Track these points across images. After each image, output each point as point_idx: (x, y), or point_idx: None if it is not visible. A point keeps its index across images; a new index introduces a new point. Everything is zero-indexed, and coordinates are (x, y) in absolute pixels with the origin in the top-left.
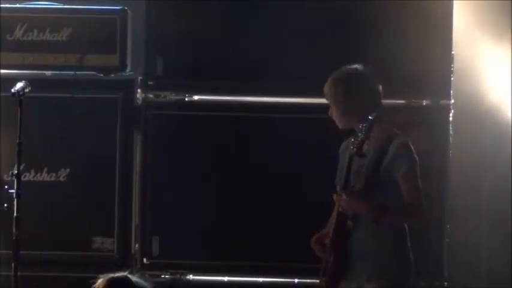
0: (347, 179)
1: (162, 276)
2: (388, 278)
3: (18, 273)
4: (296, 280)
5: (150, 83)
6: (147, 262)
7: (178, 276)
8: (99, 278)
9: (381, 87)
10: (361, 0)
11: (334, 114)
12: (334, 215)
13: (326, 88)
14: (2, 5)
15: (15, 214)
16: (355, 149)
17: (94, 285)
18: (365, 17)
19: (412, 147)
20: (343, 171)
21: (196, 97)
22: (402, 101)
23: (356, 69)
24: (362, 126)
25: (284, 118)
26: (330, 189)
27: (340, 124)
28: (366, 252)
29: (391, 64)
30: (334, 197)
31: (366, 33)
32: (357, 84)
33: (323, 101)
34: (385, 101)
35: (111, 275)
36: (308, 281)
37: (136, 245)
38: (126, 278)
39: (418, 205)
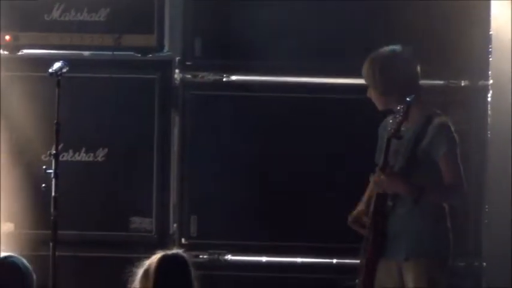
0: (385, 160)
1: (200, 256)
2: (427, 257)
3: (56, 253)
4: (334, 260)
5: (188, 63)
6: (186, 242)
7: (216, 256)
8: (154, 254)
9: (419, 68)
10: None
11: (373, 95)
12: (368, 193)
13: (364, 69)
14: None
15: (53, 194)
16: (392, 130)
17: (150, 260)
18: None
19: (452, 128)
20: (382, 152)
21: (234, 77)
22: (440, 82)
23: (394, 50)
24: (400, 107)
25: (323, 98)
26: (370, 168)
27: (378, 105)
28: (405, 231)
29: (430, 45)
30: (373, 177)
31: (405, 14)
32: (395, 65)
33: (361, 81)
34: (423, 82)
35: (166, 251)
36: (346, 261)
37: (175, 225)
38: (179, 255)
39: (458, 186)
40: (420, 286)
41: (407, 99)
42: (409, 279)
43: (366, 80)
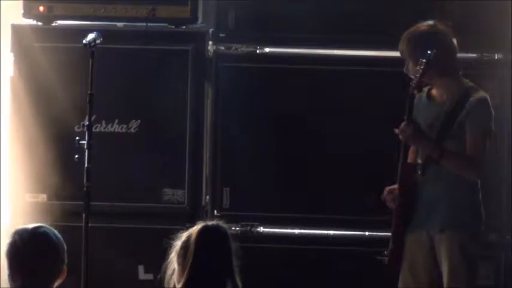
0: (410, 115)
1: (233, 228)
2: (462, 229)
3: (89, 224)
4: (367, 233)
5: (221, 35)
6: (218, 214)
7: (248, 228)
8: (197, 224)
9: (455, 42)
10: None
11: (412, 70)
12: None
13: (402, 45)
14: None
15: (86, 165)
16: (414, 84)
17: (190, 231)
18: None
19: (490, 103)
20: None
21: (267, 49)
22: (474, 55)
23: (433, 25)
24: (421, 61)
25: (356, 71)
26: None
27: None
28: (439, 202)
29: (463, 18)
30: (397, 130)
31: None
32: (436, 39)
33: (395, 54)
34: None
35: (206, 222)
36: (379, 234)
37: (207, 197)
38: (220, 226)
39: (475, 160)
40: (454, 258)
41: (428, 51)
42: (443, 251)
43: (404, 56)
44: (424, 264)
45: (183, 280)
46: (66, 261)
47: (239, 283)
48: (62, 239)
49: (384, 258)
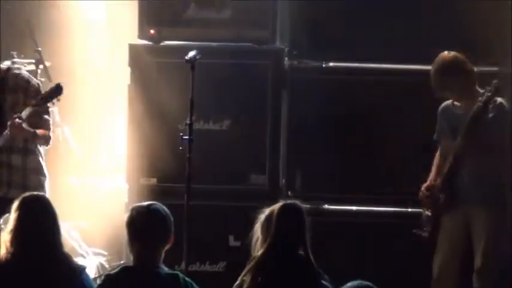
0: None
1: (303, 206)
2: (495, 203)
3: (190, 203)
4: (409, 209)
5: (294, 52)
6: (291, 194)
7: (316, 206)
8: (278, 202)
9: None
10: None
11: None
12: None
13: (450, 70)
14: None
15: (187, 155)
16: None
17: (272, 207)
18: None
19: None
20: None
21: (331, 64)
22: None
23: (455, 54)
24: (488, 88)
25: (420, 84)
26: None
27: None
28: (477, 185)
29: (491, 37)
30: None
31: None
32: (465, 67)
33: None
34: (484, 69)
35: (286, 201)
36: (419, 210)
37: (283, 180)
38: (296, 204)
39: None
40: (491, 226)
41: (494, 81)
42: (481, 222)
43: (447, 82)
44: (462, 235)
45: (265, 246)
46: (173, 230)
47: (309, 250)
48: (169, 213)
49: (421, 233)
